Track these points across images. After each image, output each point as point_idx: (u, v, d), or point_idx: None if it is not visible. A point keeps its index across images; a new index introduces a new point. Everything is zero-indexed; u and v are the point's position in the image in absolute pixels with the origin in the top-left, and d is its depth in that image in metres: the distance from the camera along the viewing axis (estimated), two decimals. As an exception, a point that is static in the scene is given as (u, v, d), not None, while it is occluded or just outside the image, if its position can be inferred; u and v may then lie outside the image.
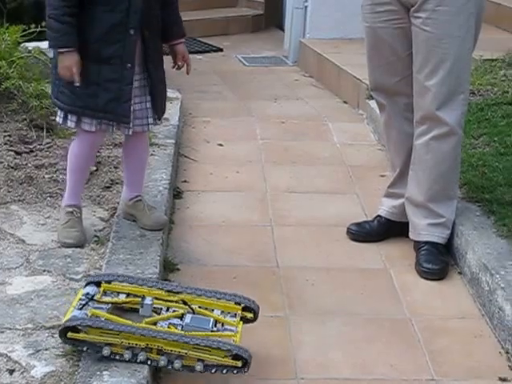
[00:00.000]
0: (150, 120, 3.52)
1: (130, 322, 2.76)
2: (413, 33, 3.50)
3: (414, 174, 3.69)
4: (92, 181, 4.12)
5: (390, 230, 3.89)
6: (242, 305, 2.95)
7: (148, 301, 2.87)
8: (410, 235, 3.76)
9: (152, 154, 4.40)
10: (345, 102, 6.14)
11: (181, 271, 3.57)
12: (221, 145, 5.15)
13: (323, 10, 7.15)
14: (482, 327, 3.23)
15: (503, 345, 3.09)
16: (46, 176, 4.11)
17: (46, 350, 2.78)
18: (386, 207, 3.92)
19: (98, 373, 2.63)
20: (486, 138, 4.60)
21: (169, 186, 4.13)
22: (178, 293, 2.94)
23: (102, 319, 2.75)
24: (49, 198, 3.92)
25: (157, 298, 2.92)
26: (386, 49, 3.61)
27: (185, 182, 4.51)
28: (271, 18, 8.85)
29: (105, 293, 2.94)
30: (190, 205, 4.24)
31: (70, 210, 3.60)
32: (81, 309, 2.82)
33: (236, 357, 2.71)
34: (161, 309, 2.91)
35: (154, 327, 2.76)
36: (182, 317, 2.86)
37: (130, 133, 3.49)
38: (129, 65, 3.35)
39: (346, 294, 3.45)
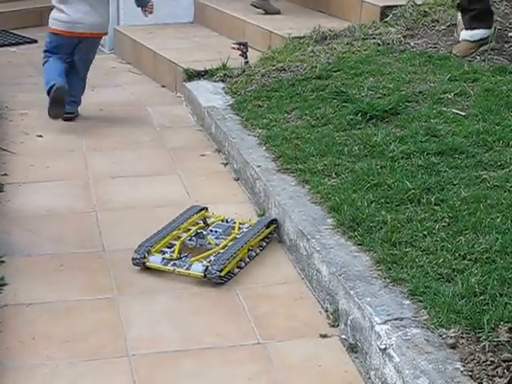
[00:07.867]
0: None
1: None
2: None
3: None
4: None
5: None
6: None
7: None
8: None
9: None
10: (163, 86, 6.22)
11: (5, 263, 3.56)
12: (40, 136, 5.12)
13: (136, -4, 7.14)
14: (302, 290, 3.40)
15: (322, 304, 3.27)
16: None
17: None
18: None
19: None
20: (298, 111, 4.78)
21: (-13, 181, 4.09)
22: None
23: None
24: None
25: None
26: None
27: (4, 175, 4.46)
28: (85, 7, 8.71)
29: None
30: (11, 197, 4.21)
31: None
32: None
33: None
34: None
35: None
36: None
37: None
38: None
39: (172, 271, 3.54)
